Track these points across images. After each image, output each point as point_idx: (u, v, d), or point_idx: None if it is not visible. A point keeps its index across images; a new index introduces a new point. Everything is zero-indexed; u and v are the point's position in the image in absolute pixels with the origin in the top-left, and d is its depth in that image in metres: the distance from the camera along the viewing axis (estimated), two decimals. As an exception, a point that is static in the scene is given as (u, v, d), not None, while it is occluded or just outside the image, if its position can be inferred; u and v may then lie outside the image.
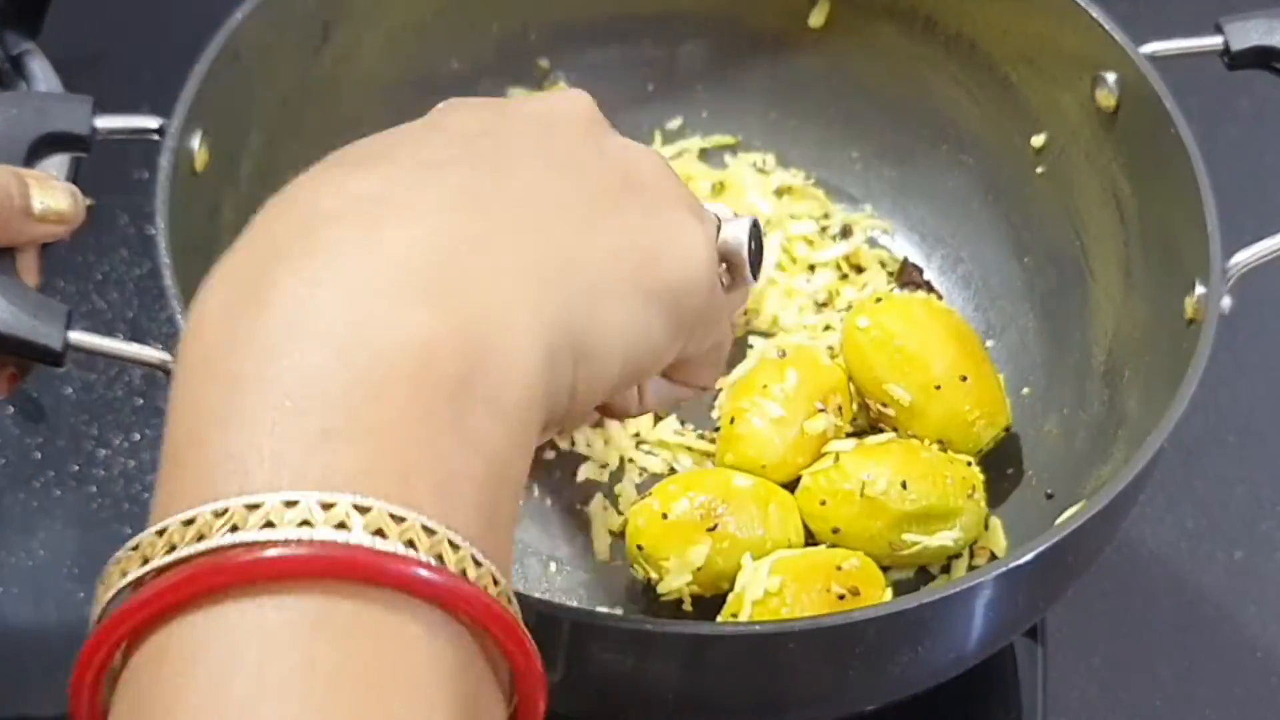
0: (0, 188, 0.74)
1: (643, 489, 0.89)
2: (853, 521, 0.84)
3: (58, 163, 1.03)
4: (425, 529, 0.42)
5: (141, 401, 0.98)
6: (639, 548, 0.83)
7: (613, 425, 0.91)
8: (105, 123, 0.82)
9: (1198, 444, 1.00)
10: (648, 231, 0.55)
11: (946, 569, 0.87)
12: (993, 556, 0.87)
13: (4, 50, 1.07)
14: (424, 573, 0.42)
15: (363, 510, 0.41)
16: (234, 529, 0.41)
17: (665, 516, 0.83)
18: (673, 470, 0.90)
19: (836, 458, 0.86)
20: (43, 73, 1.08)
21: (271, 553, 0.40)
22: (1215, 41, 0.87)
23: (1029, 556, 0.71)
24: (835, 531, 0.85)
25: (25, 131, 0.80)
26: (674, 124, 1.02)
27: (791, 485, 0.87)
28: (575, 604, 0.85)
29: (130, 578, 0.42)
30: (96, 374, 0.99)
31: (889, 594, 0.83)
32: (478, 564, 0.43)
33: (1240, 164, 1.11)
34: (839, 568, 0.81)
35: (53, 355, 0.75)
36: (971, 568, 0.86)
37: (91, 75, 1.08)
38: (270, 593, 0.40)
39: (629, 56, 1.00)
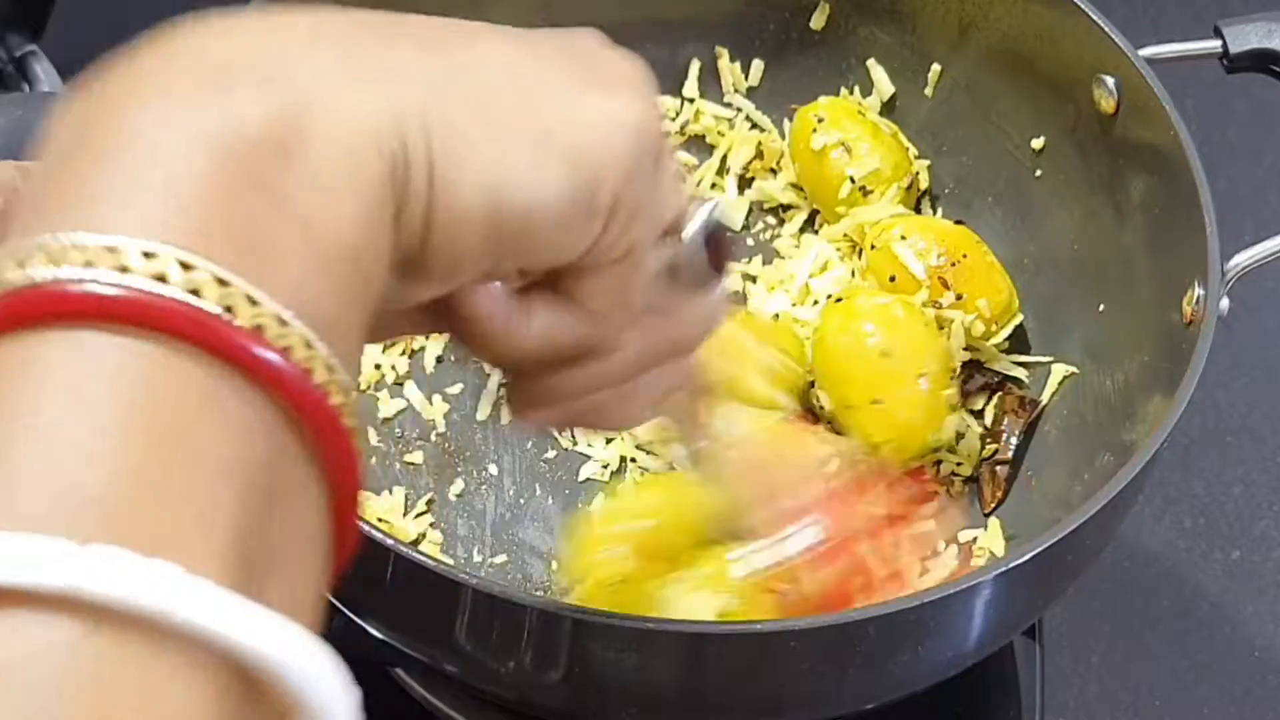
0: (4, 184, 0.74)
1: (642, 489, 0.89)
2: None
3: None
4: (245, 296, 0.41)
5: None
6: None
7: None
8: (108, 123, 0.82)
9: (1196, 444, 1.00)
10: (575, 76, 0.50)
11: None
12: (992, 556, 0.87)
13: (7, 52, 1.07)
14: (249, 345, 0.41)
15: (186, 267, 0.40)
16: (81, 264, 0.40)
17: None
18: (671, 468, 0.91)
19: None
20: (45, 74, 1.08)
21: (101, 290, 0.40)
22: (1214, 44, 0.87)
23: (1028, 556, 0.72)
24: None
25: (28, 133, 0.80)
26: (674, 125, 1.02)
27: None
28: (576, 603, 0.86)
29: None
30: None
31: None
32: (282, 324, 0.41)
33: (1238, 166, 1.11)
34: None
35: None
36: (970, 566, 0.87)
37: (94, 77, 1.09)
38: (91, 329, 0.40)
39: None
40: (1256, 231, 0.83)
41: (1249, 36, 0.86)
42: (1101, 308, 0.90)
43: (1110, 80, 0.88)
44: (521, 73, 0.49)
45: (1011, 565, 0.72)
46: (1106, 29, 0.87)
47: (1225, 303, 0.80)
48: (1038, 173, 0.94)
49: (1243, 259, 0.81)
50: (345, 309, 0.44)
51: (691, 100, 1.02)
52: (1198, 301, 0.80)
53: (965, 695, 0.89)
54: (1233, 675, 0.94)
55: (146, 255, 0.40)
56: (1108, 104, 0.88)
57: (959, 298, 0.90)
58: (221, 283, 0.40)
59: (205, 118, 0.42)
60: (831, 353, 0.89)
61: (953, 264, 0.90)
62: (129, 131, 0.42)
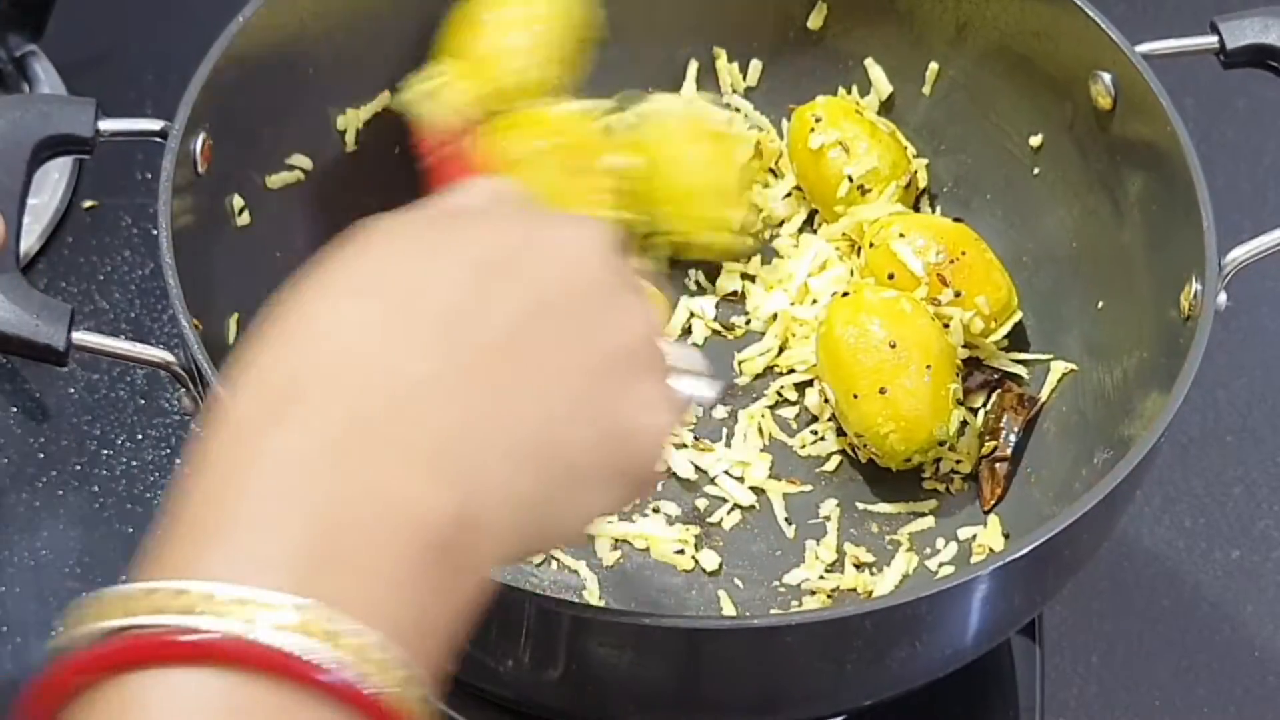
0: None
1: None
2: None
3: (60, 165, 1.04)
4: (379, 645, 0.47)
5: (144, 402, 0.99)
6: None
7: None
8: (109, 125, 0.82)
9: (1195, 443, 1.00)
10: (629, 412, 0.58)
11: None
12: (991, 553, 0.87)
13: (7, 52, 1.07)
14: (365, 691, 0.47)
15: (341, 635, 0.47)
16: (210, 613, 0.46)
17: None
18: (671, 474, 0.91)
19: None
20: (45, 75, 1.08)
21: (201, 638, 0.46)
22: (1211, 40, 0.87)
23: (1025, 551, 0.72)
24: None
25: (29, 134, 0.80)
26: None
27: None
28: (575, 600, 0.86)
29: (88, 630, 0.47)
30: (99, 374, 0.99)
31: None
32: (406, 676, 0.48)
33: (1236, 162, 1.11)
34: None
35: (56, 355, 0.76)
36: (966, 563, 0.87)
37: (94, 77, 1.09)
38: (196, 670, 0.46)
39: (629, 58, 1.00)
40: (1254, 226, 0.83)
41: (1245, 32, 0.86)
42: (1100, 304, 0.90)
43: (1108, 77, 0.88)
44: (591, 409, 0.57)
45: (1009, 560, 0.72)
46: (1104, 26, 0.88)
47: (1223, 298, 0.80)
48: (1036, 170, 0.94)
49: (1240, 253, 0.81)
50: (440, 617, 0.51)
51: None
52: (1195, 296, 0.80)
53: (964, 695, 0.89)
54: (1233, 675, 0.94)
55: (268, 606, 0.46)
56: (1105, 101, 0.88)
57: (958, 295, 0.90)
58: (330, 635, 0.47)
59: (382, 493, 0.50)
60: (838, 344, 0.89)
61: (951, 261, 0.90)
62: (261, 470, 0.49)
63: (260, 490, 0.48)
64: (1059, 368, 0.91)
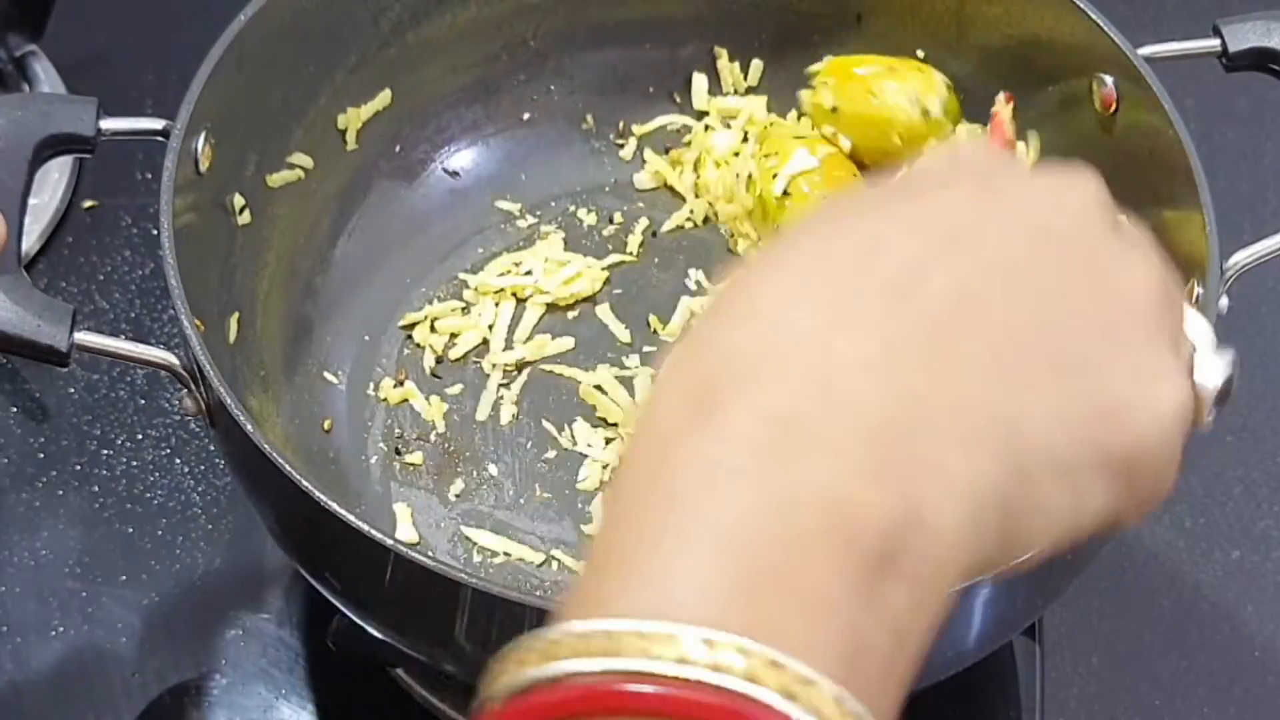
0: None
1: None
2: None
3: (60, 165, 1.04)
4: (834, 700, 0.42)
5: (144, 402, 0.99)
6: None
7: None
8: (110, 124, 0.82)
9: (1195, 444, 0.99)
10: (1119, 387, 0.49)
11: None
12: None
13: (7, 52, 1.07)
14: None
15: (785, 673, 0.41)
16: (640, 655, 0.42)
17: None
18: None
19: None
20: (46, 75, 1.08)
21: (678, 692, 0.41)
22: (1213, 43, 0.87)
23: (1027, 554, 0.72)
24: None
25: (30, 133, 0.80)
26: (675, 126, 1.02)
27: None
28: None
29: (533, 675, 0.43)
30: (99, 374, 0.99)
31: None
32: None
33: (1237, 165, 1.11)
34: None
35: (58, 355, 0.76)
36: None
37: (94, 77, 1.09)
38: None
39: (629, 58, 1.00)
40: (1255, 230, 0.83)
41: (1248, 35, 0.86)
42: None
43: (1110, 80, 0.88)
44: (1065, 388, 0.48)
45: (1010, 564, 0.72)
46: (1105, 28, 0.87)
47: (1225, 301, 0.80)
48: (1037, 173, 0.94)
49: (1242, 257, 0.82)
50: (899, 689, 0.45)
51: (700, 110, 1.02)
52: (1197, 300, 0.80)
53: (965, 695, 0.88)
54: (1233, 675, 0.94)
55: (707, 643, 0.41)
56: (1107, 103, 0.88)
57: None
58: (775, 665, 0.41)
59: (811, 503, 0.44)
60: None
61: None
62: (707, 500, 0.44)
63: (681, 504, 0.44)
64: None
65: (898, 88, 0.93)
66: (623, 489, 0.46)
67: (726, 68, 1.01)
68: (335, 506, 0.71)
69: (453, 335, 0.94)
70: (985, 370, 0.47)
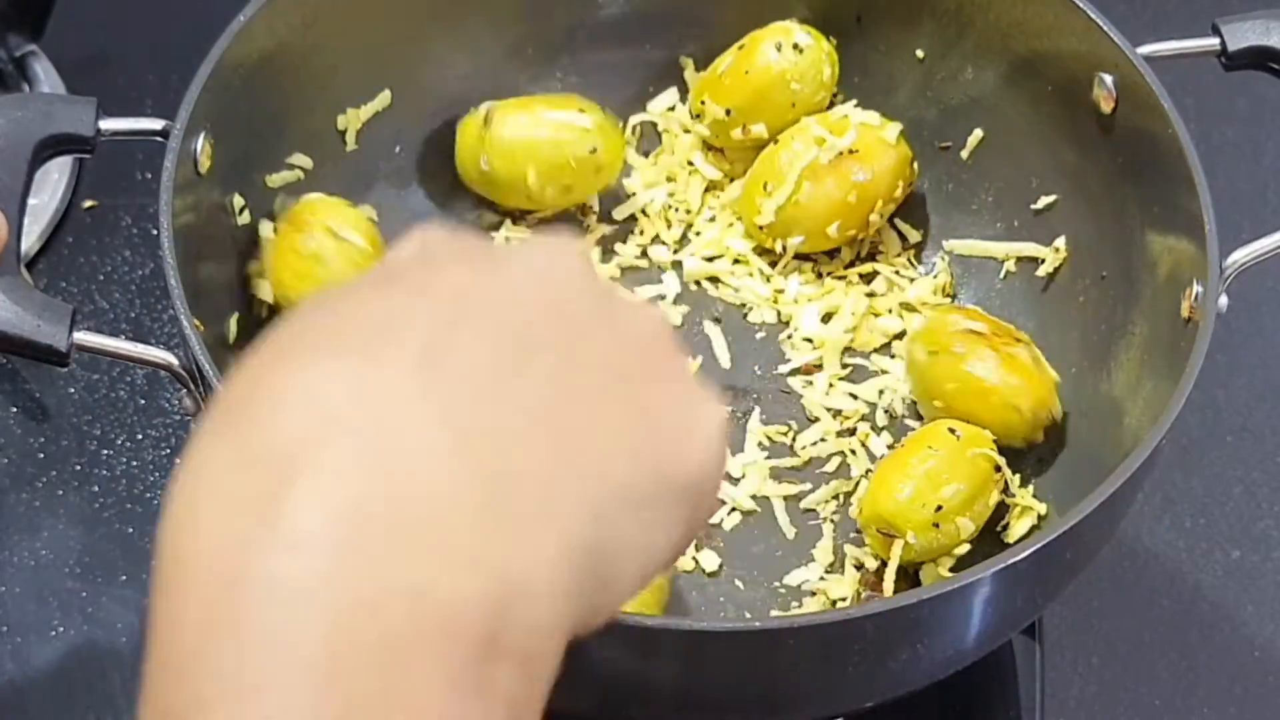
0: None
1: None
2: None
3: (60, 165, 1.04)
4: None
5: (144, 402, 0.99)
6: None
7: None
8: (110, 125, 0.82)
9: (1195, 444, 1.00)
10: (666, 419, 0.51)
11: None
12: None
13: (7, 52, 1.07)
14: None
15: None
16: None
17: None
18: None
19: None
20: (45, 74, 1.08)
21: None
22: (1212, 42, 0.87)
23: (1027, 553, 0.72)
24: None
25: (30, 133, 0.80)
26: (677, 127, 1.02)
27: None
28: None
29: None
30: (99, 374, 0.99)
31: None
32: None
33: (1237, 164, 1.11)
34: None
35: (58, 355, 0.76)
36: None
37: (94, 77, 1.09)
38: None
39: (630, 59, 1.00)
40: (1253, 228, 0.83)
41: (1247, 34, 0.86)
42: (1097, 306, 0.91)
43: (1109, 79, 0.88)
44: (621, 425, 0.49)
45: (1010, 562, 0.72)
46: (1105, 27, 0.87)
47: (1224, 300, 0.80)
48: (1035, 173, 0.94)
49: (1241, 255, 0.82)
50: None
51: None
52: (1196, 299, 0.80)
53: (965, 695, 0.89)
54: (1233, 675, 0.94)
55: None
56: (1106, 103, 0.88)
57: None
58: None
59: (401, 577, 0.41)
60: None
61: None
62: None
63: (255, 640, 0.40)
64: (1060, 369, 0.91)
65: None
66: (181, 632, 0.41)
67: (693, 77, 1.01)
68: None
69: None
70: (541, 430, 0.46)
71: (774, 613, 0.86)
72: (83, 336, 0.76)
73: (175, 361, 0.78)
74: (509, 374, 0.46)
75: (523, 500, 0.44)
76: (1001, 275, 0.96)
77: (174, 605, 0.41)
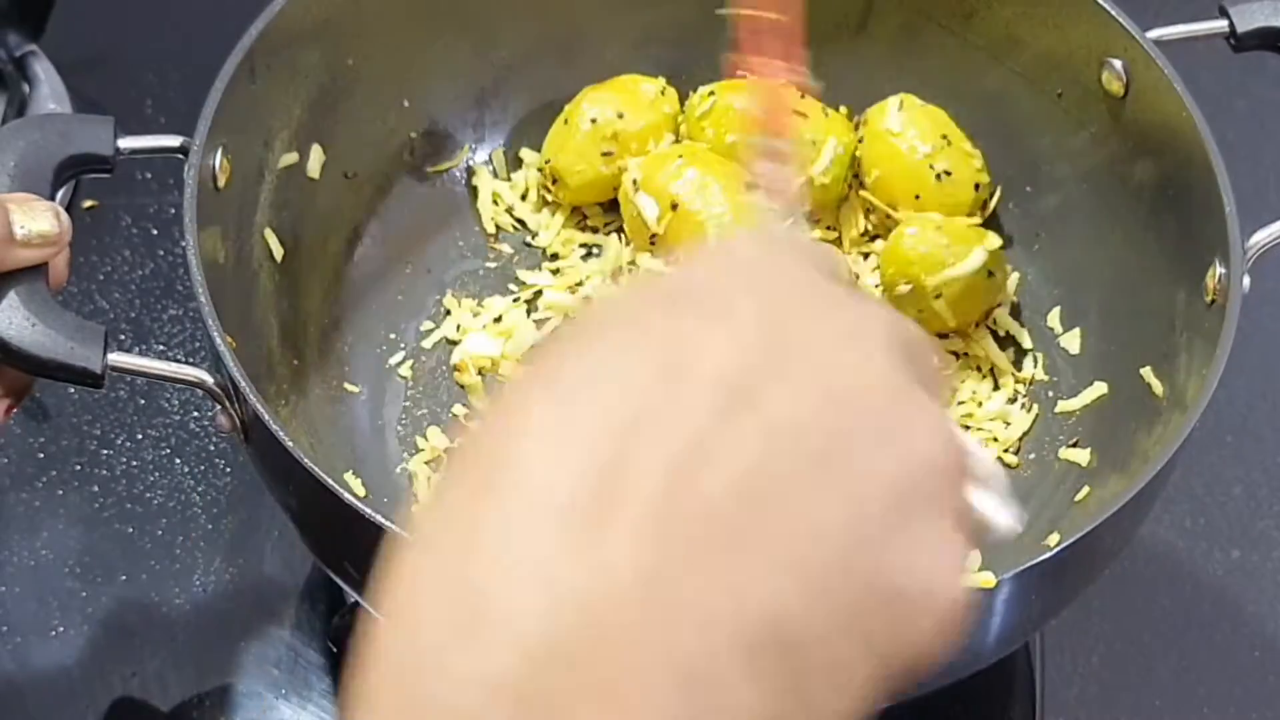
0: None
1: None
2: None
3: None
4: None
5: (144, 402, 0.98)
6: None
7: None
8: (128, 143, 0.81)
9: (1195, 443, 1.00)
10: (897, 573, 0.42)
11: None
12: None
13: (7, 52, 1.07)
14: None
15: None
16: None
17: None
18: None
19: None
20: (45, 75, 1.07)
21: None
22: (1220, 25, 0.87)
23: (1049, 555, 0.72)
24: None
25: (50, 156, 0.79)
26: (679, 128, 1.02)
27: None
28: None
29: None
30: (100, 374, 0.99)
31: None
32: None
33: (1251, 146, 1.11)
34: None
35: (93, 378, 0.75)
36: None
37: (94, 77, 1.08)
38: None
39: (631, 59, 1.00)
40: (1273, 209, 0.83)
41: (1255, 15, 0.86)
42: (1117, 292, 0.91)
43: (1119, 64, 0.88)
44: (846, 576, 0.41)
45: (1031, 564, 0.72)
46: (1113, 12, 0.88)
47: (1247, 280, 0.80)
48: (1047, 159, 0.95)
49: (1263, 236, 0.82)
50: None
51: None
52: (1220, 280, 0.80)
53: (965, 695, 0.89)
54: (1233, 675, 0.94)
55: None
56: (1116, 87, 0.88)
57: None
58: None
59: None
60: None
61: None
62: None
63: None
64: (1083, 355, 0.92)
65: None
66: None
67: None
68: (388, 523, 0.70)
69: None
70: (765, 572, 0.40)
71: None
72: (117, 358, 0.75)
73: (209, 379, 0.77)
74: (761, 500, 0.40)
75: (715, 649, 0.39)
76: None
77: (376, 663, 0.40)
